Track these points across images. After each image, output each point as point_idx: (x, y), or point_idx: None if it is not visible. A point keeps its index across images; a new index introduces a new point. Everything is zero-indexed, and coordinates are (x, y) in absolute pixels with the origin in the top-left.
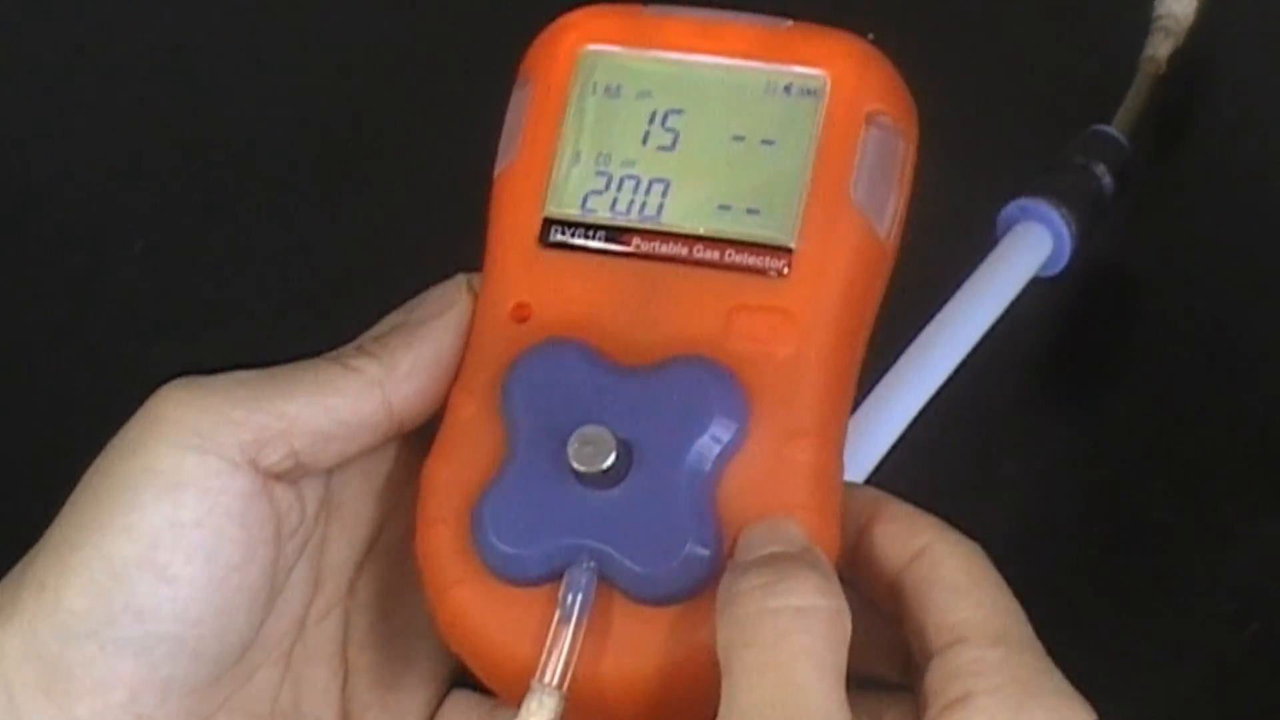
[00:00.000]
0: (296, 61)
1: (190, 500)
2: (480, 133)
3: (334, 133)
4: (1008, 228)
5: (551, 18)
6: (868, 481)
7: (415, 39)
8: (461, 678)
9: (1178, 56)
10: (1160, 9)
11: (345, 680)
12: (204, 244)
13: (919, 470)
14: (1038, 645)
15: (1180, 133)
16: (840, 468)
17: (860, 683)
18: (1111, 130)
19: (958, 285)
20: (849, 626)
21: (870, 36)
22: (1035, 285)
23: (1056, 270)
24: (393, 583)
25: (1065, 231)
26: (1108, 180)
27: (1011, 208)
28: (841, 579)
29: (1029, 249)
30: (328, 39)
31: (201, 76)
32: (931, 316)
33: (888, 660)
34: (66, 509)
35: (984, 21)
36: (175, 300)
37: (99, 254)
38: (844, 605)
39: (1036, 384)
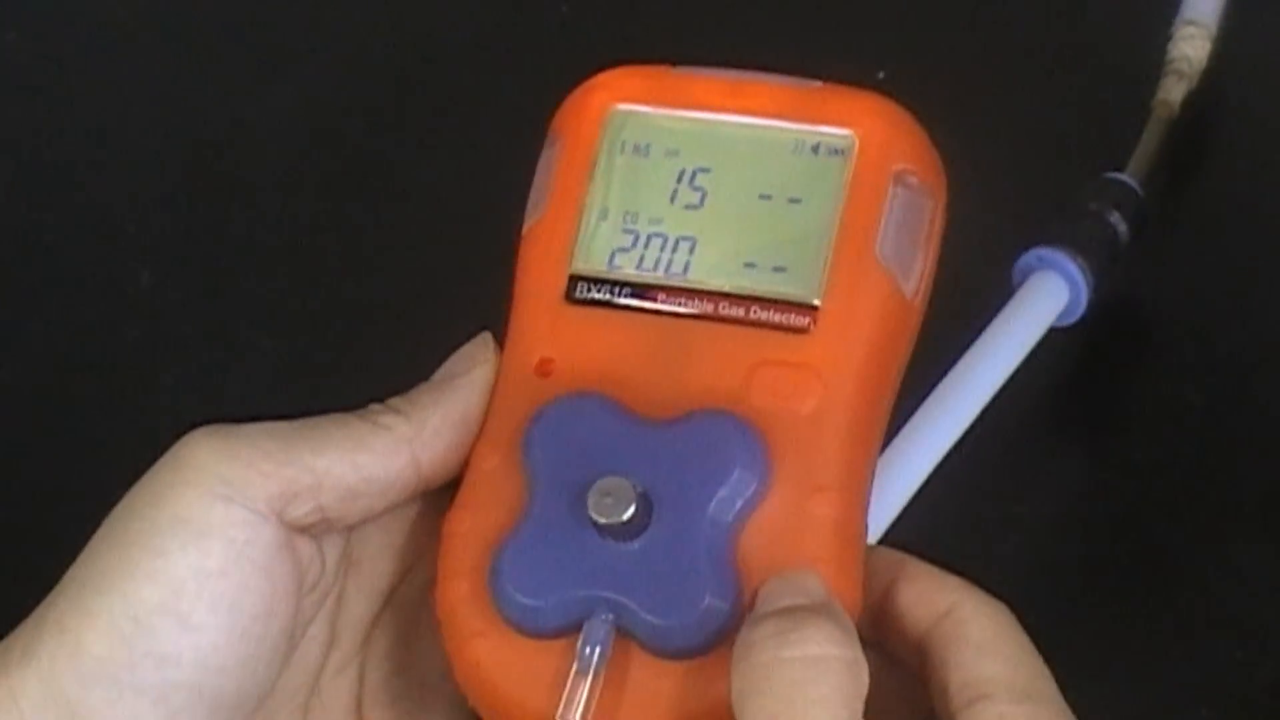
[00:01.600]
0: (309, 99)
1: (216, 550)
2: (503, 185)
3: (345, 172)
4: (1024, 277)
5: (581, 77)
6: (888, 531)
7: (437, 87)
8: None
9: (1191, 99)
10: (1173, 52)
11: None
12: (211, 277)
13: (932, 509)
14: (1063, 704)
15: (1194, 175)
16: (864, 524)
17: None
18: (1125, 177)
19: (974, 334)
20: (865, 678)
21: (881, 75)
22: (1050, 329)
23: (1073, 319)
24: (409, 637)
25: (1082, 281)
26: (1123, 228)
27: (1028, 257)
28: (864, 640)
29: (1046, 299)
30: (341, 79)
31: (209, 110)
32: (948, 365)
33: None
34: (89, 551)
35: (996, 69)
36: (182, 333)
37: (106, 285)
38: (860, 656)
39: (1049, 424)
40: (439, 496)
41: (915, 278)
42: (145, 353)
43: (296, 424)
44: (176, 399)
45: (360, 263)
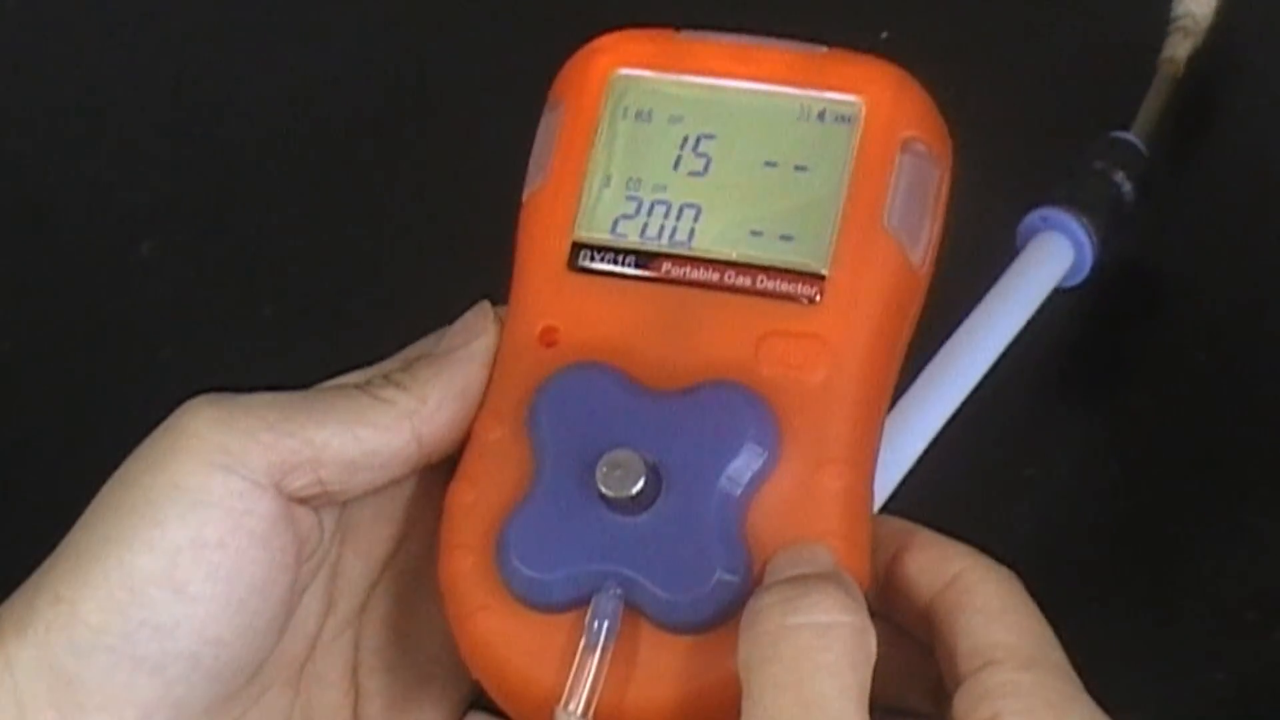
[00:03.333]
0: (308, 64)
1: (214, 520)
2: (503, 151)
3: (345, 137)
4: (1029, 238)
5: (583, 40)
6: (893, 495)
7: (437, 49)
8: (478, 700)
9: (1197, 57)
10: (1178, 9)
11: (356, 701)
12: (211, 246)
13: (941, 473)
14: (1070, 671)
15: (1201, 134)
16: (871, 495)
17: (891, 714)
18: (1130, 136)
19: (979, 297)
20: (873, 645)
21: (884, 35)
22: (1056, 291)
23: (1078, 280)
24: (406, 604)
25: (1087, 241)
26: (1128, 187)
27: (1033, 217)
28: (872, 612)
29: (1051, 259)
30: (342, 43)
31: (209, 78)
32: (953, 328)
33: (919, 690)
34: (86, 518)
35: (999, 28)
36: (182, 303)
37: (105, 257)
38: (868, 623)
39: (1058, 386)
40: (438, 463)
41: (922, 247)
42: (144, 323)
43: (297, 395)
44: (176, 369)
45: (360, 231)
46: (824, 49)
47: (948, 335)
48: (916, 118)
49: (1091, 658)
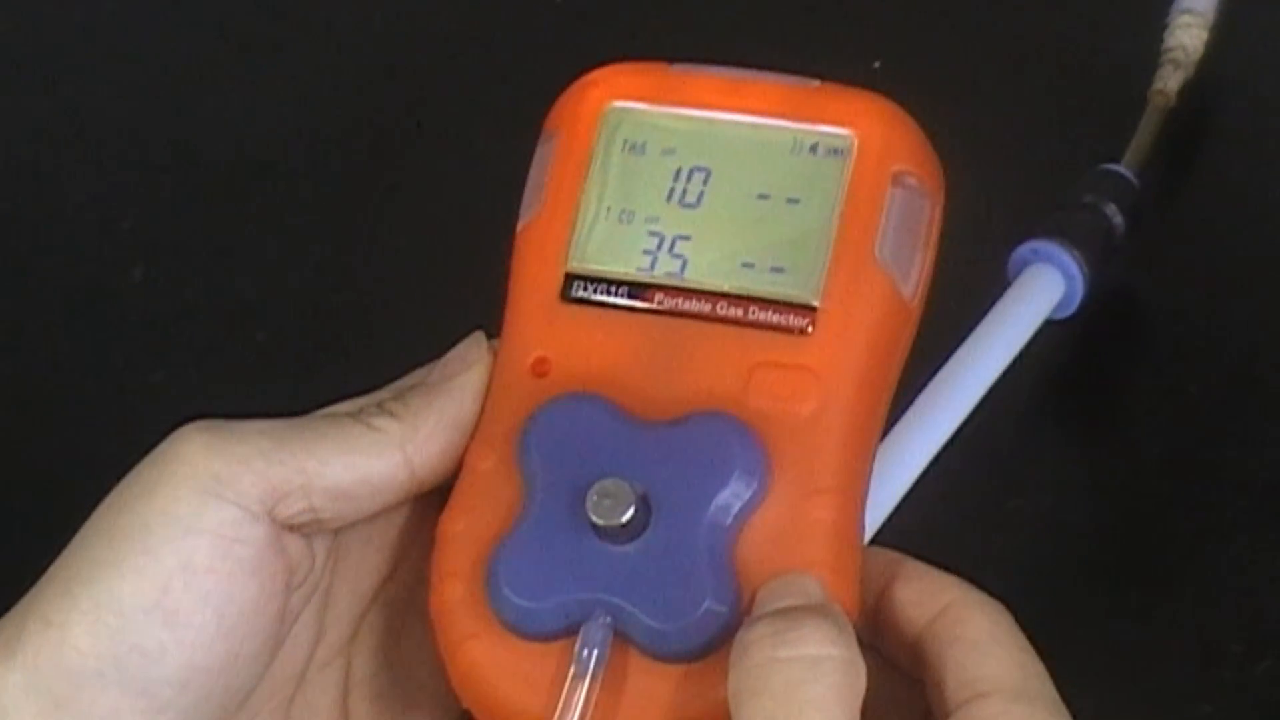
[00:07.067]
0: (303, 92)
1: (205, 546)
2: (498, 183)
3: (339, 166)
4: (1019, 270)
5: (578, 73)
6: (883, 528)
7: (433, 80)
8: None
9: (1188, 89)
10: (1169, 41)
11: None
12: (203, 272)
13: (927, 504)
14: (1059, 703)
15: (1191, 166)
16: (861, 526)
17: None
18: (1121, 169)
19: (970, 328)
20: (863, 678)
21: (876, 65)
22: (1046, 322)
23: (1069, 312)
24: (396, 632)
25: (1078, 273)
26: (1119, 219)
27: (1023, 249)
28: (861, 643)
29: (1042, 292)
30: (336, 72)
31: (203, 100)
32: (943, 360)
33: None
34: (76, 544)
35: (991, 59)
36: (173, 328)
37: (98, 280)
38: (858, 656)
39: (1044, 417)
40: (430, 492)
41: (914, 279)
42: (136, 347)
43: (290, 423)
44: (167, 394)
45: (354, 260)
46: (816, 82)
47: (939, 367)
48: (908, 151)
49: (1077, 689)
